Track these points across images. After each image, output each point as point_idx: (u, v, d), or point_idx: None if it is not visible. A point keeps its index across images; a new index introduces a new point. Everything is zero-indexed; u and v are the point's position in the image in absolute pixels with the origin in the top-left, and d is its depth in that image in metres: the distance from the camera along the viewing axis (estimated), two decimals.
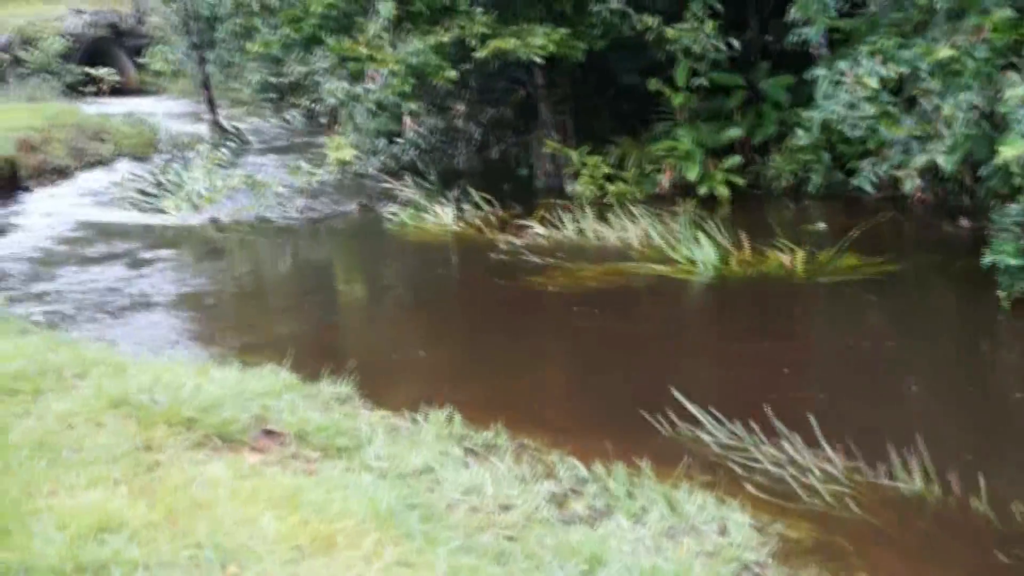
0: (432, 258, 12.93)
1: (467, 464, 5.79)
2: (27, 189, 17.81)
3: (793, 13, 11.99)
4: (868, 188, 11.54)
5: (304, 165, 16.29)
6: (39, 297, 10.82)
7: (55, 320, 9.69)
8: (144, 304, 10.61)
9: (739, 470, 6.03)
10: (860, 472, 5.94)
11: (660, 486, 5.64)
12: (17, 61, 35.59)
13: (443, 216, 14.13)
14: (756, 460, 6.11)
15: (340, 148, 15.86)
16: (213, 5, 20.84)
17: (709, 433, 6.48)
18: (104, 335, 9.08)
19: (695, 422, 6.62)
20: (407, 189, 15.65)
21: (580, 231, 12.82)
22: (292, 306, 11.13)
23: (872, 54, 10.95)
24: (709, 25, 13.48)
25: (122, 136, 23.42)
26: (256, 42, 16.82)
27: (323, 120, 26.52)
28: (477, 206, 14.54)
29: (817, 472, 5.92)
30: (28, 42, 36.45)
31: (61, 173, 19.44)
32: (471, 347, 9.12)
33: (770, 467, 6.03)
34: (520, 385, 8.03)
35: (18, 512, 3.99)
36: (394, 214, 14.70)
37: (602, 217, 13.13)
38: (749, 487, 5.77)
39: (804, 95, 13.46)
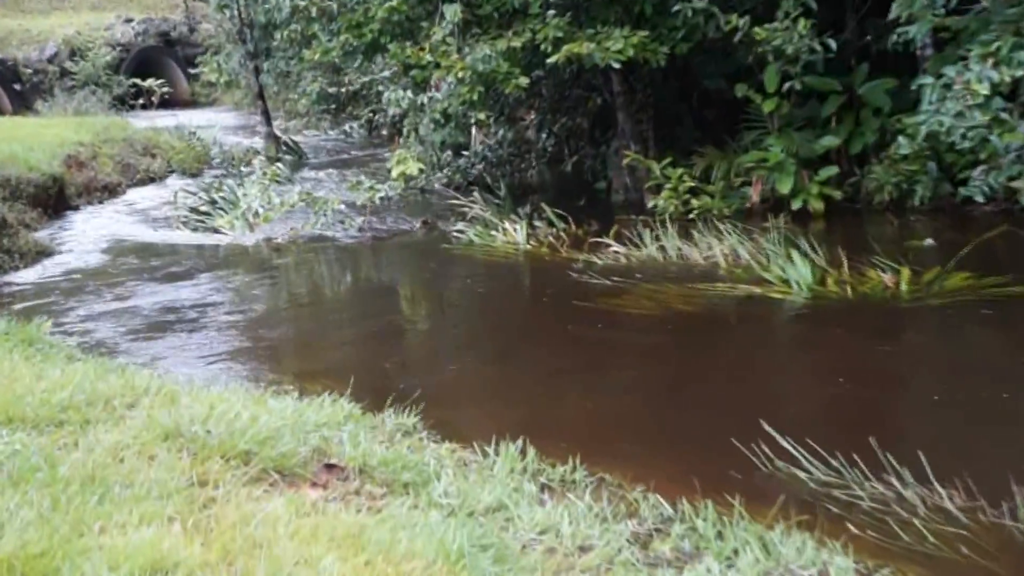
0: (502, 279, 12.94)
1: (542, 501, 5.75)
2: (75, 208, 18.18)
3: (895, 11, 11.84)
4: (979, 199, 11.35)
5: (365, 180, 16.41)
6: (86, 321, 11.01)
7: (102, 345, 9.85)
8: (196, 329, 10.74)
9: (840, 509, 5.92)
10: (977, 512, 5.80)
11: (753, 526, 5.55)
12: (64, 73, 36.45)
13: (513, 234, 14.17)
14: (859, 498, 5.99)
15: (403, 162, 15.97)
16: (269, 11, 21.16)
17: (805, 469, 6.38)
18: (154, 361, 9.21)
19: (790, 456, 6.52)
20: (475, 205, 15.71)
21: (662, 249, 12.76)
22: (352, 330, 11.20)
23: (983, 57, 10.77)
24: (802, 24, 13.36)
25: (173, 151, 23.92)
26: (314, 50, 17.03)
27: (384, 132, 26.81)
28: (550, 223, 14.57)
29: (929, 512, 5.80)
30: (75, 53, 37.30)
31: (110, 190, 19.87)
32: (545, 375, 9.08)
33: (875, 506, 5.91)
34: (599, 416, 7.98)
35: (68, 551, 4.03)
36: (461, 232, 14.77)
37: (686, 234, 13.06)
38: (852, 528, 5.66)
39: (907, 100, 13.32)
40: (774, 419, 6.95)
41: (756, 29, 13.56)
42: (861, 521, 5.77)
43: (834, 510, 5.92)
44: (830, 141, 14.70)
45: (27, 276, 13.28)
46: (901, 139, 12.73)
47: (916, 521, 5.73)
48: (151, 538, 4.19)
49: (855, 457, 6.33)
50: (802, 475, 6.34)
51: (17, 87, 35.54)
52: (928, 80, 11.47)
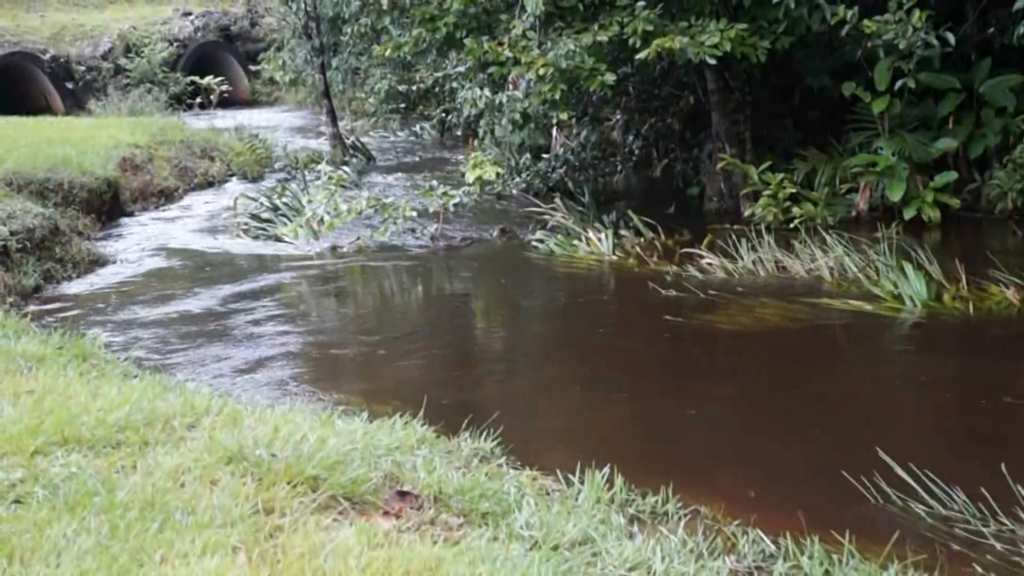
0: (585, 292, 12.92)
1: (632, 534, 5.73)
2: (130, 214, 18.49)
3: (1021, 1, 11.66)
4: None
5: (438, 185, 16.49)
6: (141, 335, 11.16)
7: (159, 361, 9.99)
8: (257, 344, 10.85)
9: (963, 548, 5.83)
10: None
11: (865, 565, 5.48)
12: (118, 71, 37.07)
13: (598, 244, 14.15)
14: (984, 536, 5.90)
15: (480, 166, 16.02)
16: (338, 4, 21.37)
17: (924, 502, 6.29)
18: (213, 379, 9.32)
19: (906, 489, 6.44)
20: (556, 212, 15.73)
21: (760, 261, 12.67)
22: (424, 347, 11.24)
23: None
24: (917, 16, 13.18)
25: (233, 154, 24.21)
26: (385, 45, 17.15)
27: (458, 133, 26.94)
28: (637, 232, 14.56)
29: None
30: (131, 49, 37.91)
31: (167, 195, 20.18)
32: (633, 396, 9.06)
33: (1003, 545, 5.81)
34: (693, 442, 7.94)
35: None
36: (540, 241, 14.78)
37: (786, 245, 12.99)
38: (975, 569, 5.57)
39: None
40: (887, 447, 6.87)
41: (866, 21, 13.40)
42: (986, 562, 5.67)
43: (956, 549, 5.83)
44: (947, 144, 14.48)
45: (80, 286, 13.50)
46: None
47: None
48: (215, 569, 4.23)
49: (980, 491, 6.23)
50: (920, 509, 6.25)
51: (70, 85, 36.22)
52: None
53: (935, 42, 13.32)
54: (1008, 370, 9.24)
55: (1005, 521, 5.99)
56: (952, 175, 14.36)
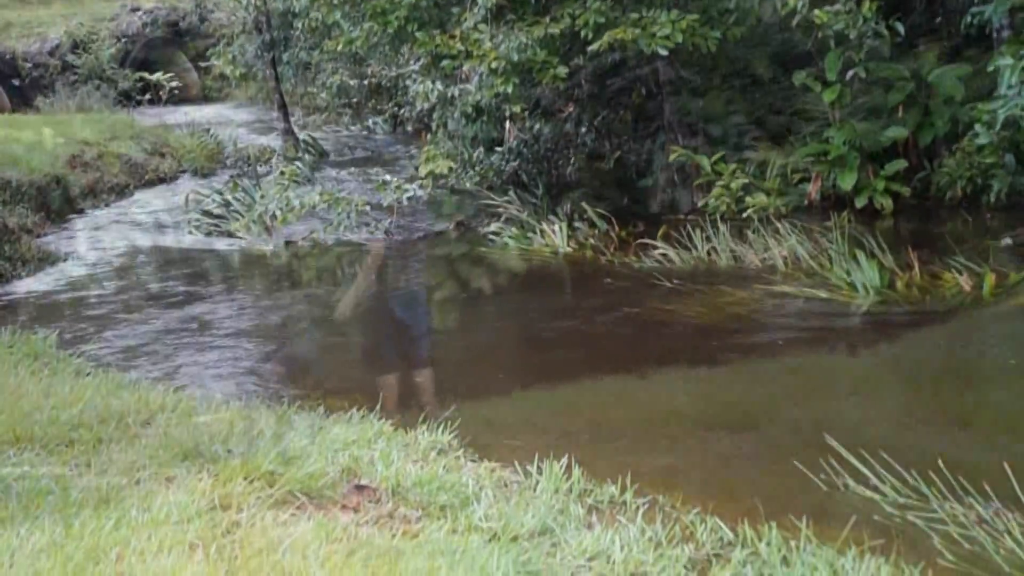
0: (542, 284, 12.93)
1: (590, 524, 5.72)
2: (80, 211, 18.30)
3: None
4: None
5: (391, 179, 16.43)
6: (93, 333, 11.05)
7: (112, 359, 9.89)
8: (212, 341, 10.78)
9: (919, 532, 5.86)
10: None
11: (822, 551, 5.48)
12: (66, 67, 36.62)
13: (552, 236, 14.15)
14: (941, 521, 5.93)
15: (433, 159, 15.97)
16: None
17: (879, 488, 6.32)
18: (167, 376, 9.23)
19: (862, 475, 6.47)
20: (510, 205, 15.71)
21: (715, 251, 12.72)
22: (380, 342, 11.21)
23: None
24: (867, 6, 13.26)
25: (184, 150, 24.02)
26: (336, 39, 17.06)
27: (410, 128, 26.84)
28: (591, 224, 14.57)
29: (1020, 536, 5.72)
30: (78, 45, 37.47)
31: (117, 192, 20.00)
32: (591, 386, 9.03)
33: (958, 529, 5.85)
34: (651, 431, 7.94)
35: None
36: (495, 234, 14.78)
37: (739, 234, 13.04)
38: (932, 553, 5.60)
39: (981, 88, 13.20)
40: (843, 435, 6.90)
41: (816, 12, 13.45)
42: (943, 545, 5.70)
43: (912, 533, 5.86)
44: (897, 132, 14.56)
45: (30, 285, 13.36)
46: (978, 127, 12.59)
47: (1008, 546, 5.65)
48: (172, 566, 4.20)
49: (933, 476, 6.27)
50: (875, 495, 6.29)
51: (16, 82, 35.69)
52: (1007, 61, 11.34)
53: (885, 32, 13.41)
54: (962, 355, 9.32)
55: (956, 507, 6.03)
56: (902, 163, 14.44)
